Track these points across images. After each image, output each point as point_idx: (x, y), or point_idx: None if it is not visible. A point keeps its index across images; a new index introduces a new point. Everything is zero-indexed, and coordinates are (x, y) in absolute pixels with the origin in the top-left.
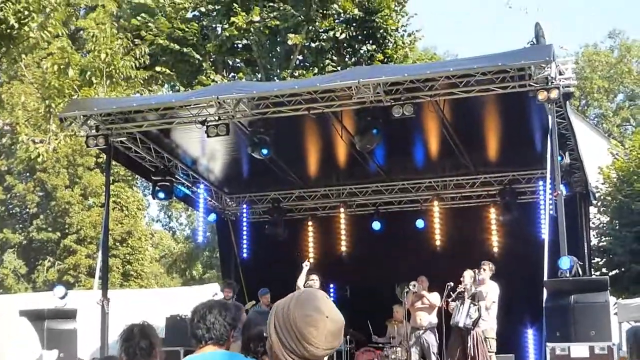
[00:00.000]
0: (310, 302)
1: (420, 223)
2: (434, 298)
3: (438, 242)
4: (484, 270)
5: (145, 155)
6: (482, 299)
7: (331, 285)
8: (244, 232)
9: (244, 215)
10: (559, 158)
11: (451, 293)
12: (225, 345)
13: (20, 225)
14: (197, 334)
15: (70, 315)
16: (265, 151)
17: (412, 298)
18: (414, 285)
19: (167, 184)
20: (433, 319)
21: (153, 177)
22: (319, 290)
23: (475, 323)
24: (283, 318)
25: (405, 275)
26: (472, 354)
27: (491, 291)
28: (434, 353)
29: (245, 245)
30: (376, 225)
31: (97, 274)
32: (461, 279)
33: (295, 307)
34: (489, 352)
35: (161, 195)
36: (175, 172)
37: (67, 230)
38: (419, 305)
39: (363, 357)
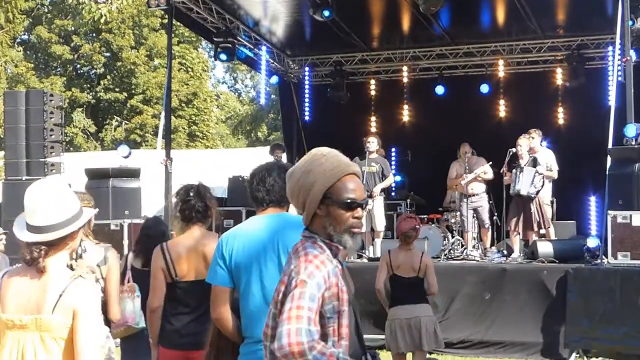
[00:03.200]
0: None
1: (484, 88)
2: (481, 167)
3: (502, 108)
4: (533, 138)
5: (207, 16)
6: (539, 165)
7: (393, 150)
8: (306, 95)
9: (306, 78)
10: (630, 22)
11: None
12: (286, 207)
13: (88, 85)
14: (257, 197)
15: (134, 174)
16: (327, 13)
17: (460, 167)
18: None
19: (229, 45)
20: (482, 185)
21: (215, 39)
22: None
23: (539, 191)
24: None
25: (468, 140)
26: (537, 219)
27: (548, 158)
28: (487, 218)
29: (307, 108)
30: (439, 90)
31: (160, 133)
32: (517, 146)
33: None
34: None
35: (223, 56)
36: (237, 34)
37: (133, 91)
38: (471, 175)
39: (404, 223)
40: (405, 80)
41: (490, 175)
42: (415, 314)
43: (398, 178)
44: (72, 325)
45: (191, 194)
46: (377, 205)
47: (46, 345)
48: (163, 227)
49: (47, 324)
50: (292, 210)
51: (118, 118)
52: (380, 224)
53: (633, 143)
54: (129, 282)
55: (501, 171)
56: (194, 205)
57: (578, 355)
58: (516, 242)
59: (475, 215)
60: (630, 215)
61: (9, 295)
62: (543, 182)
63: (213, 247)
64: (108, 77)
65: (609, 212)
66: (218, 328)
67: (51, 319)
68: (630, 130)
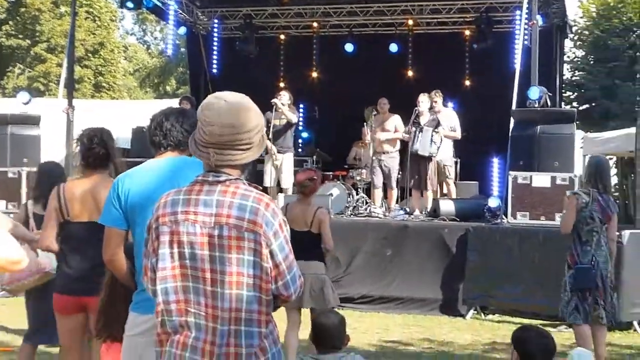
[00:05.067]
0: (212, 95)
1: (393, 47)
2: (395, 124)
3: (410, 67)
4: (435, 101)
5: None
6: (440, 126)
7: (301, 106)
8: (215, 48)
9: (215, 30)
10: None
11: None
12: (185, 152)
13: None
14: (155, 141)
15: (34, 121)
16: None
17: (375, 123)
18: (373, 111)
19: None
20: (395, 144)
21: None
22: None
23: (437, 151)
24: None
25: (375, 99)
26: (431, 180)
27: (451, 119)
28: (394, 178)
29: (215, 61)
30: (349, 48)
31: (62, 82)
32: (417, 103)
33: None
34: (447, 178)
35: (130, 4)
36: None
37: (37, 38)
38: (381, 130)
39: (301, 174)
40: (314, 36)
41: (400, 133)
42: (303, 270)
43: (305, 134)
44: None
45: (94, 141)
46: (286, 161)
47: None
48: (61, 169)
49: None
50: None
51: (21, 66)
52: (287, 180)
53: (536, 105)
54: (33, 230)
55: (406, 130)
56: (97, 152)
57: (475, 311)
58: (417, 200)
59: (383, 173)
60: (531, 176)
61: None
62: (441, 141)
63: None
64: (10, 22)
65: (510, 172)
66: (119, 277)
67: None
68: (534, 92)
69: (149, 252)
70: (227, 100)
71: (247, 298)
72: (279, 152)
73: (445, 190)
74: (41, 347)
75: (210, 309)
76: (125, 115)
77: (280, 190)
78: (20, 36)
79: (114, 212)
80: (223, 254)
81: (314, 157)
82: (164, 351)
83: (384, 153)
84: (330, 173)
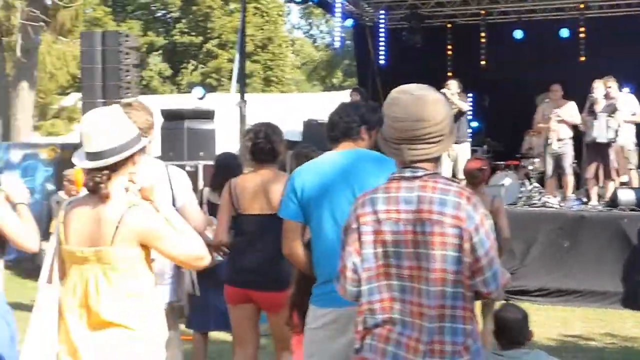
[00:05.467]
0: (396, 90)
1: (564, 32)
2: (570, 111)
3: (582, 53)
4: (609, 87)
5: None
6: (617, 111)
7: (469, 95)
8: (381, 39)
9: (382, 21)
10: None
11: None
12: (358, 141)
13: (164, 29)
14: (330, 137)
15: (208, 115)
16: None
17: (548, 110)
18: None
19: None
20: (569, 131)
21: None
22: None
23: (616, 135)
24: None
25: (546, 86)
26: (615, 167)
27: (631, 103)
28: (569, 165)
29: (382, 52)
30: (518, 34)
31: (235, 77)
32: (591, 90)
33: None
34: (628, 165)
35: None
36: None
37: (209, 35)
38: (555, 117)
39: (470, 163)
40: (482, 24)
41: (577, 119)
42: None
43: (475, 124)
44: (138, 255)
45: (260, 136)
46: (462, 152)
47: (108, 277)
48: (237, 160)
49: (106, 256)
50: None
51: (194, 62)
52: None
53: None
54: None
55: (582, 117)
56: (263, 147)
57: None
58: (594, 190)
59: (557, 161)
60: None
61: (71, 226)
62: (618, 127)
63: (280, 186)
64: (184, 20)
65: None
66: (300, 269)
67: (110, 250)
68: None
69: (348, 252)
70: (413, 94)
71: (451, 294)
72: (454, 142)
73: (625, 179)
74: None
75: (416, 307)
76: (295, 108)
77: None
78: (193, 33)
79: (291, 206)
80: (427, 251)
81: (485, 146)
82: (364, 344)
83: (558, 140)
84: (502, 163)
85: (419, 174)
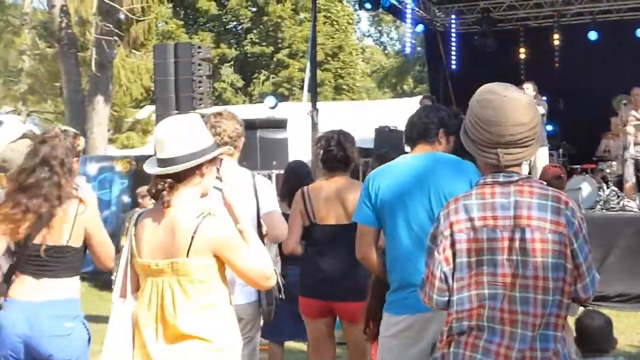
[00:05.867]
0: (483, 90)
1: None
2: None
3: None
4: None
5: None
6: None
7: (544, 98)
8: (453, 44)
9: (453, 26)
10: None
11: None
12: (435, 144)
13: (235, 40)
14: (408, 139)
15: (280, 124)
16: None
17: (626, 113)
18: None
19: None
20: None
21: None
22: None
23: None
24: (467, 117)
25: (622, 87)
26: None
27: None
28: None
29: (454, 57)
30: (592, 36)
31: (306, 86)
32: None
33: (472, 100)
34: None
35: (368, 5)
36: None
37: (279, 45)
38: (635, 120)
39: (547, 172)
40: (555, 26)
41: None
42: None
43: (549, 127)
44: (214, 265)
45: (332, 144)
46: (540, 155)
47: (184, 288)
48: (307, 168)
49: (182, 267)
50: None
51: (265, 72)
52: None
53: None
54: None
55: None
56: (335, 155)
57: None
58: None
59: (636, 164)
60: None
61: (144, 238)
62: None
63: (355, 195)
64: (254, 31)
65: None
66: (377, 277)
67: (186, 262)
68: None
69: (437, 260)
70: (505, 95)
71: (549, 302)
72: None
73: None
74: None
75: (507, 314)
76: (366, 116)
77: None
78: (264, 44)
79: (365, 210)
80: (526, 258)
81: (560, 150)
82: (447, 353)
83: (636, 144)
84: (578, 166)
85: (514, 178)
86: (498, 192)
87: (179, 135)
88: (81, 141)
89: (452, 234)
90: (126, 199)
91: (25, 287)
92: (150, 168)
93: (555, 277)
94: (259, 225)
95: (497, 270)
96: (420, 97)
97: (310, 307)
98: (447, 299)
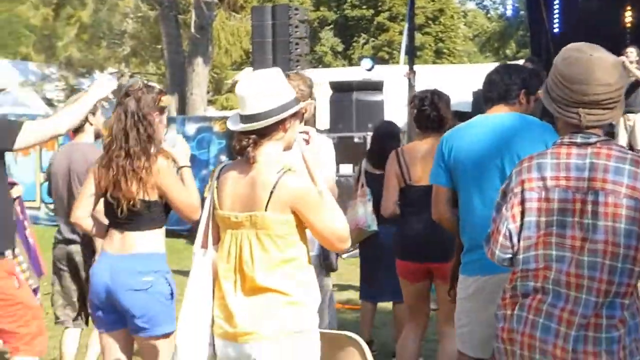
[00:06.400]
0: (569, 48)
1: None
2: None
3: None
4: None
5: None
6: None
7: None
8: (555, 7)
9: None
10: None
11: None
12: (515, 106)
13: (335, 3)
14: (486, 97)
15: (377, 87)
16: None
17: None
18: None
19: None
20: None
21: None
22: None
23: None
24: (551, 75)
25: None
26: None
27: None
28: None
29: (556, 21)
30: None
31: (403, 48)
32: None
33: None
34: None
35: None
36: None
37: (379, 8)
38: None
39: None
40: None
41: None
42: None
43: None
44: (292, 221)
45: (425, 103)
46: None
47: (262, 242)
48: (395, 129)
49: (261, 221)
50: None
51: (365, 35)
52: None
53: None
54: (362, 186)
55: None
56: (428, 115)
57: None
58: None
59: None
60: None
61: (225, 191)
62: None
63: None
64: None
65: None
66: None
67: (265, 216)
68: None
69: (504, 217)
70: (592, 55)
71: (617, 269)
72: (629, 112)
73: None
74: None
75: (574, 278)
76: (465, 80)
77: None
78: (364, 7)
79: (439, 170)
80: (596, 222)
81: None
82: (509, 314)
83: None
84: None
85: (592, 140)
86: (574, 152)
87: (261, 90)
88: (166, 98)
89: (522, 192)
90: (223, 158)
91: (112, 241)
92: (233, 125)
93: (626, 244)
94: None
95: (566, 232)
96: (523, 61)
97: (407, 269)
98: (509, 256)
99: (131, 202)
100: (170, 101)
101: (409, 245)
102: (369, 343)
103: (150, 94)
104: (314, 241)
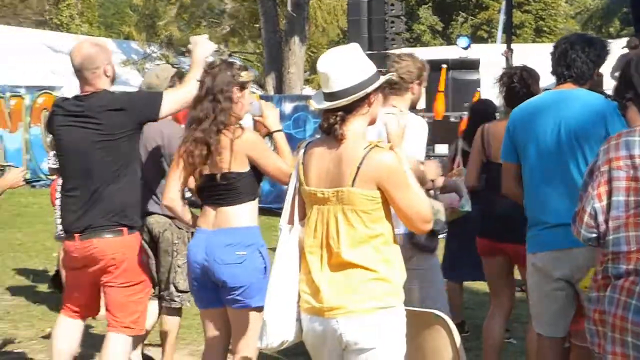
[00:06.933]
0: None
1: None
2: None
3: None
4: None
5: None
6: None
7: None
8: None
9: None
10: None
11: None
12: (585, 85)
13: None
14: (557, 71)
15: (473, 65)
16: None
17: None
18: None
19: None
20: None
21: None
22: None
23: None
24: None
25: None
26: None
27: None
28: None
29: None
30: None
31: (501, 26)
32: None
33: None
34: None
35: None
36: None
37: None
38: None
39: None
40: None
41: None
42: None
43: None
44: (378, 197)
45: (514, 80)
46: None
47: (348, 218)
48: (492, 108)
49: (347, 197)
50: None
51: (464, 14)
52: None
53: None
54: (458, 166)
55: None
56: (517, 91)
57: None
58: None
59: None
60: None
61: (311, 167)
62: None
63: None
64: None
65: None
66: None
67: (351, 191)
68: None
69: (590, 196)
70: None
71: None
72: None
73: None
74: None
75: None
76: None
77: None
78: None
79: (506, 146)
80: None
81: None
82: (602, 296)
83: None
84: None
85: None
86: None
87: (344, 67)
88: (245, 73)
89: (609, 171)
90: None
91: (206, 216)
92: (318, 103)
93: None
94: None
95: None
96: (627, 39)
97: (485, 247)
98: (594, 235)
99: (221, 176)
100: (250, 76)
101: (489, 224)
102: (461, 324)
103: (229, 70)
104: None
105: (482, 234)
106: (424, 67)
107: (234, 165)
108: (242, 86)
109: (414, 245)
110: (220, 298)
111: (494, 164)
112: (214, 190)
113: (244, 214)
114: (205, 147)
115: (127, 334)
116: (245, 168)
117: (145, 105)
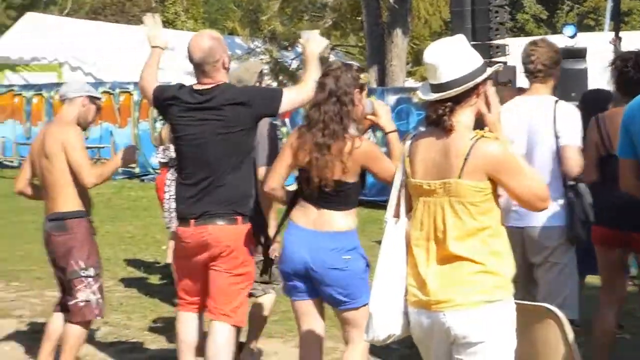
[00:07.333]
0: None
1: None
2: None
3: None
4: None
5: None
6: None
7: None
8: None
9: None
10: None
11: None
12: None
13: None
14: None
15: (579, 54)
16: None
17: None
18: None
19: None
20: None
21: None
22: None
23: None
24: None
25: None
26: None
27: None
28: None
29: None
30: None
31: (608, 13)
32: None
33: None
34: None
35: None
36: None
37: None
38: None
39: None
40: None
41: None
42: None
43: None
44: (487, 188)
45: (628, 65)
46: None
47: (455, 210)
48: (604, 97)
49: (455, 188)
50: None
51: (569, 2)
52: None
53: None
54: None
55: None
56: (632, 77)
57: None
58: None
59: None
60: None
61: (417, 159)
62: None
63: None
64: None
65: None
66: None
67: (458, 183)
68: None
69: None
70: None
71: None
72: None
73: None
74: None
75: None
76: None
77: None
78: None
79: (621, 141)
80: None
81: None
82: None
83: None
84: None
85: None
86: None
87: (452, 58)
88: (364, 75)
89: None
90: (423, 130)
91: (308, 215)
92: (425, 95)
93: None
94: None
95: None
96: None
97: (602, 236)
98: None
99: (334, 183)
100: (368, 78)
101: (606, 210)
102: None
103: (349, 72)
104: None
105: (599, 220)
106: (559, 51)
107: (349, 176)
108: (362, 88)
109: (572, 238)
110: (316, 290)
111: (614, 156)
112: (320, 193)
113: (347, 219)
114: (327, 150)
115: (226, 322)
116: (357, 178)
117: (266, 100)
